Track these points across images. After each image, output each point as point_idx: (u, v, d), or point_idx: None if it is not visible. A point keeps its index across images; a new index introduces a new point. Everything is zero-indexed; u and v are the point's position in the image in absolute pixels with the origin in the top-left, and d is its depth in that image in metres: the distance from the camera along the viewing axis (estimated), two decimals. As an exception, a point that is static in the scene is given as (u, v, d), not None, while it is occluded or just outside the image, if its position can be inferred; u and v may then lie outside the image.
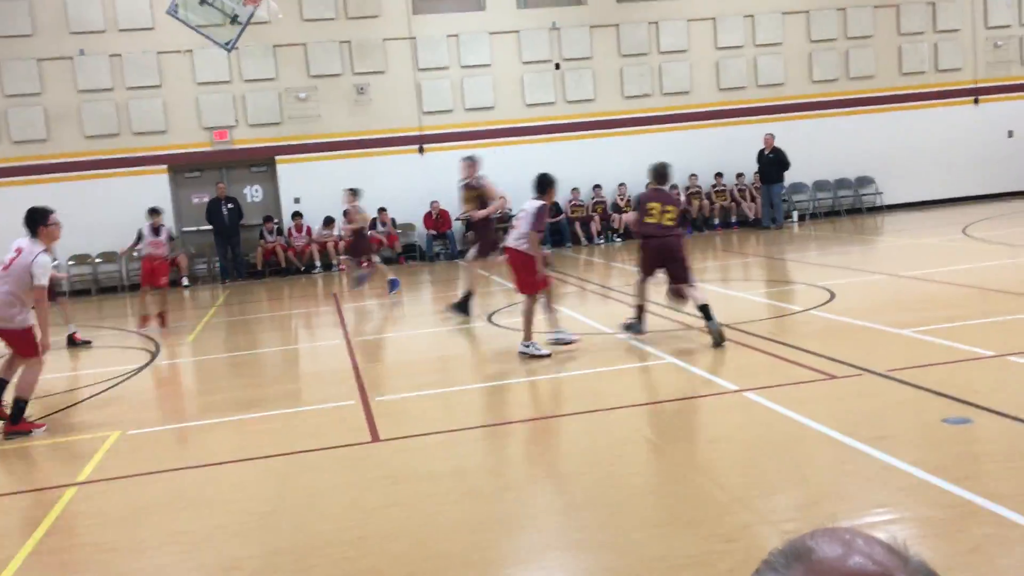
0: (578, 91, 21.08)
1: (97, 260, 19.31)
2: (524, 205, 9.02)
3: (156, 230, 13.14)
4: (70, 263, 19.13)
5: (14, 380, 7.68)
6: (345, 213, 14.82)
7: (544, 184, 9.09)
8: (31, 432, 7.49)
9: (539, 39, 20.90)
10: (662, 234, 9.12)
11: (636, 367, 8.09)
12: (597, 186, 20.97)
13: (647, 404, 6.82)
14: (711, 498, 4.84)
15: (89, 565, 4.61)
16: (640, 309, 9.35)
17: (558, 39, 21.01)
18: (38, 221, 7.71)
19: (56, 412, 8.12)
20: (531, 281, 8.77)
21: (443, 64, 20.57)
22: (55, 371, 10.38)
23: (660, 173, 9.59)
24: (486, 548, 4.45)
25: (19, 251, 7.66)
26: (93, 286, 19.27)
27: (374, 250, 14.96)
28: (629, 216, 9.81)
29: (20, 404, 7.57)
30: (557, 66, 21.01)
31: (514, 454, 5.98)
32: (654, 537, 4.40)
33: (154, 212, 13.52)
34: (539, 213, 8.85)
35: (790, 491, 4.94)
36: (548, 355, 8.52)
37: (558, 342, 8.94)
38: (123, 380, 9.38)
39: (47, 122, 18.93)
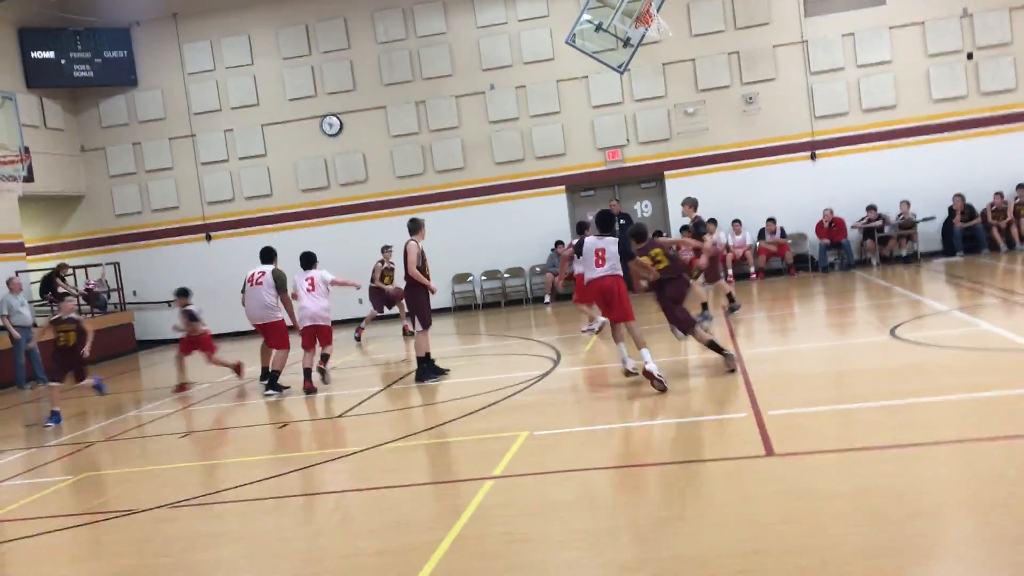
0: (996, 81, 18.98)
1: (505, 275, 21.11)
2: (600, 243, 10.07)
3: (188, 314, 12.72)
4: (483, 278, 21.15)
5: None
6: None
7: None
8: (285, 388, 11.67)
9: (948, 28, 19.17)
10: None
11: (1074, 389, 7.07)
12: (1021, 186, 18.72)
13: (1090, 432, 5.93)
14: None
15: (504, 553, 5.05)
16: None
17: (970, 25, 19.10)
18: (273, 256, 11.98)
19: (471, 413, 9.02)
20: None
21: (838, 65, 19.67)
22: (469, 376, 11.52)
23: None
24: (895, 576, 4.17)
25: (262, 273, 11.71)
26: (502, 298, 21.12)
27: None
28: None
29: (276, 375, 11.63)
30: (970, 55, 19.10)
31: (924, 478, 5.50)
32: (1103, 585, 3.82)
33: (182, 294, 12.94)
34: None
35: None
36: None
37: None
38: (529, 385, 10.16)
39: (463, 152, 21.14)
